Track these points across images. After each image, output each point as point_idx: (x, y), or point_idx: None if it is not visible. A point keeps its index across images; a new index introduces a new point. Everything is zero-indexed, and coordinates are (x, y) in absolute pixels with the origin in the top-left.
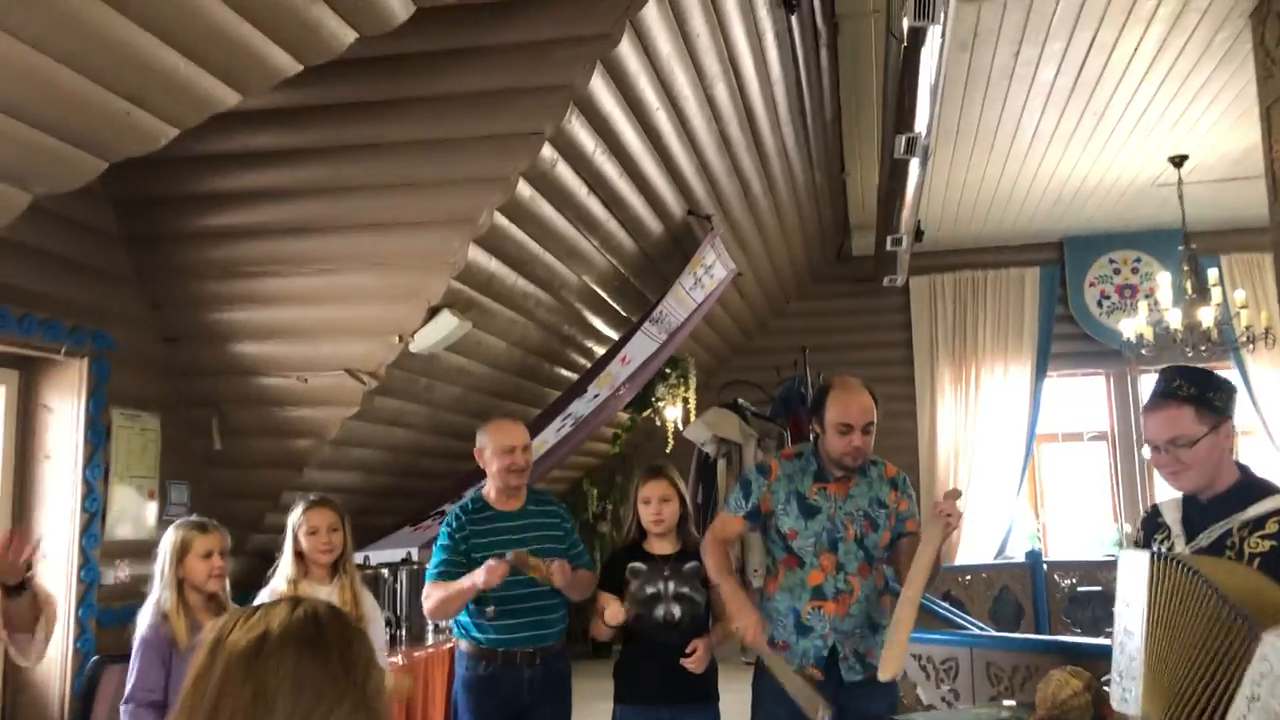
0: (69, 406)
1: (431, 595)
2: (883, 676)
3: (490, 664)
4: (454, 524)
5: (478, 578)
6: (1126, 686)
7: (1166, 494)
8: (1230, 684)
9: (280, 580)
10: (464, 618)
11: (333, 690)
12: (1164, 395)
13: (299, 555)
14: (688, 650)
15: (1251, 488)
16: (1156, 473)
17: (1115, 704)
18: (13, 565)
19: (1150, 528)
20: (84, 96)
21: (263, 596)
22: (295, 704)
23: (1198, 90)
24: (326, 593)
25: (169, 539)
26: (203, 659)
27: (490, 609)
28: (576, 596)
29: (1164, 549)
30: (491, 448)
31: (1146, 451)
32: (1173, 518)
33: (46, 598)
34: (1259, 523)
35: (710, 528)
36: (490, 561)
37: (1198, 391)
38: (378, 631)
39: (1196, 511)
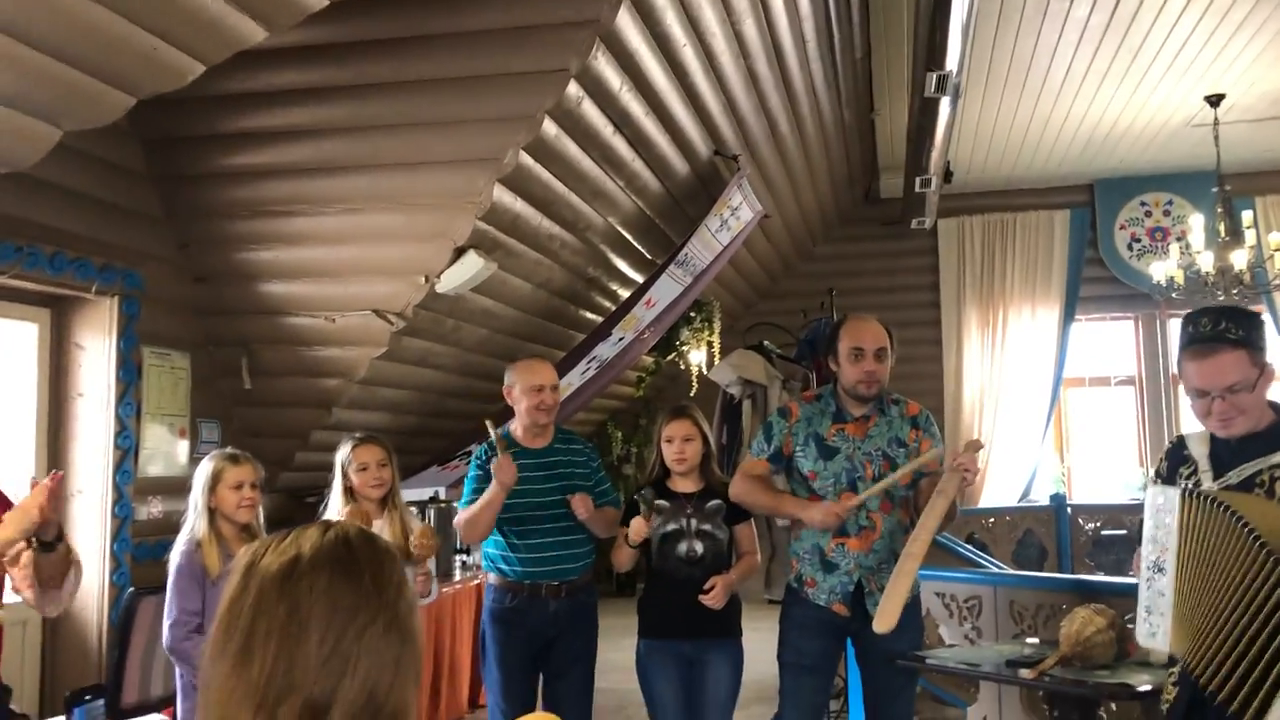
0: (100, 345)
1: (461, 518)
2: (878, 628)
3: (517, 596)
4: (483, 457)
5: (494, 486)
6: (1155, 622)
7: (1192, 427)
8: (1264, 624)
9: (331, 516)
10: (493, 550)
11: (366, 610)
12: (1214, 339)
13: (349, 491)
14: (706, 587)
15: None
16: (1187, 415)
17: (1142, 639)
18: (49, 521)
19: (1175, 460)
20: (112, 32)
21: None
22: (329, 623)
23: (1238, 26)
24: (378, 527)
25: (203, 469)
26: (237, 582)
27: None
28: (602, 533)
29: (1190, 484)
30: (520, 386)
31: (1190, 399)
32: (1200, 452)
33: (76, 556)
34: None
35: (737, 472)
36: (496, 463)
37: (1245, 334)
38: (430, 566)
39: (1226, 450)
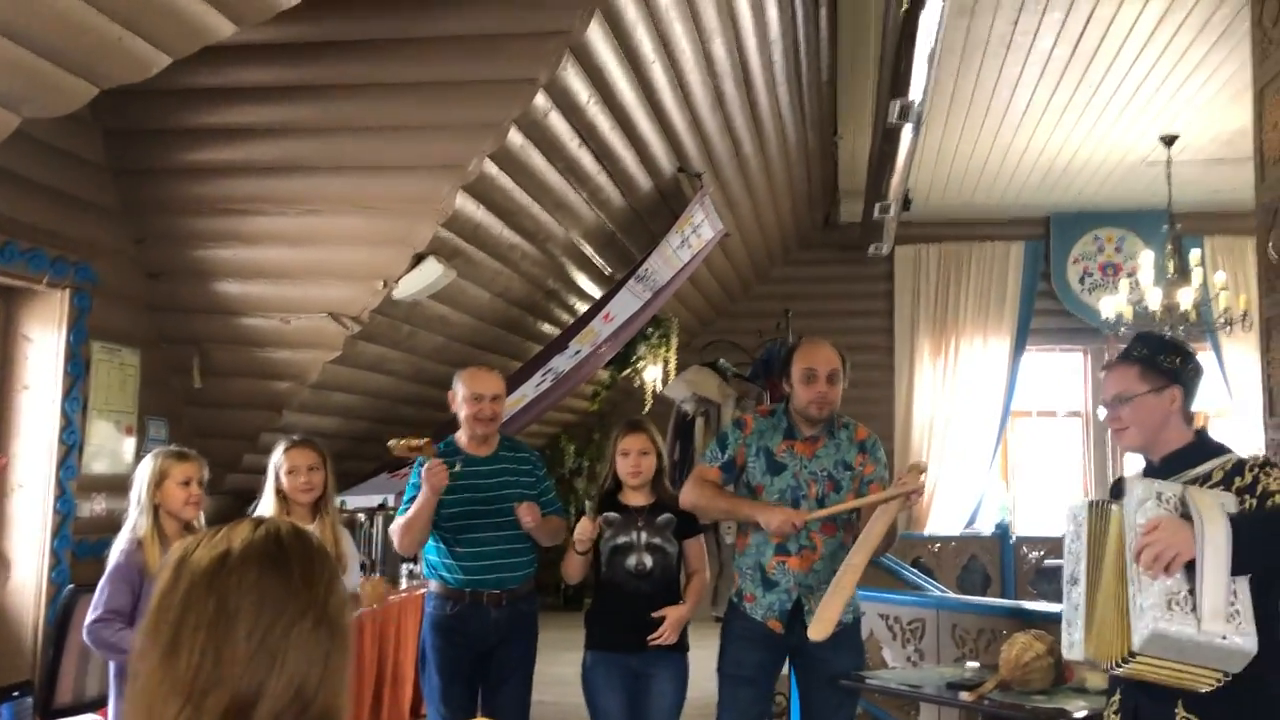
0: (49, 338)
1: (395, 525)
2: (813, 635)
3: (457, 604)
4: (424, 465)
5: (425, 489)
6: (1071, 632)
7: (1133, 467)
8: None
9: None
10: (433, 558)
11: (294, 605)
12: (1120, 356)
13: (280, 494)
14: (655, 616)
15: (1204, 449)
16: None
17: (1065, 652)
18: None
19: (1116, 497)
20: (77, 19)
21: None
22: (257, 618)
23: (1194, 68)
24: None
25: (147, 465)
26: (167, 577)
27: (457, 467)
28: (546, 541)
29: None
30: (463, 393)
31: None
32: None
33: (2, 553)
34: (1206, 477)
35: (688, 479)
36: (425, 469)
37: (1149, 353)
38: (354, 572)
39: (1150, 471)
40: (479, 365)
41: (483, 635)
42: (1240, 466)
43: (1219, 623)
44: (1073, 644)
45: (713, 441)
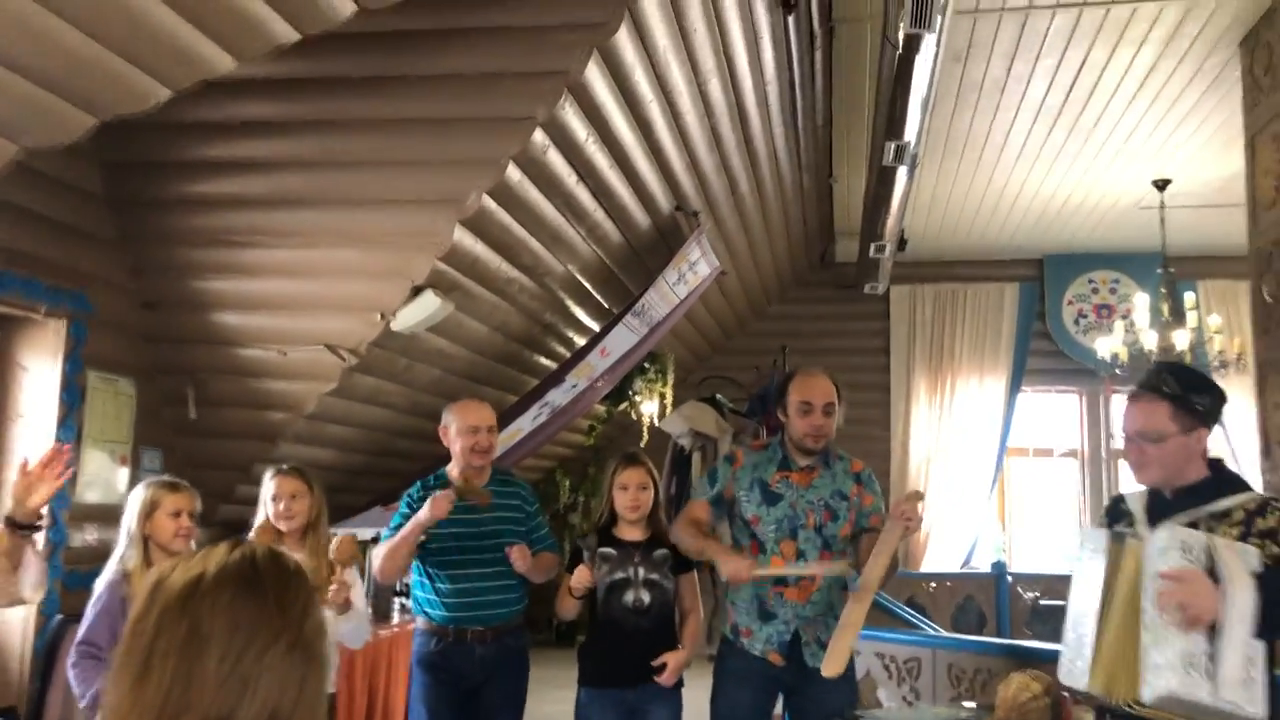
0: (45, 367)
1: (378, 551)
2: (826, 672)
3: (442, 641)
4: (414, 495)
5: (423, 514)
6: (1074, 659)
7: (1131, 489)
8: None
9: None
10: (420, 594)
11: (267, 629)
12: (1147, 387)
13: (270, 524)
14: (655, 664)
15: (1222, 483)
16: (1127, 488)
17: (1062, 676)
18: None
19: (1113, 517)
20: (79, 51)
21: None
22: (229, 642)
23: (1185, 114)
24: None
25: (138, 495)
26: (143, 601)
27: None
28: (539, 579)
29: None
30: (456, 426)
31: (1119, 437)
32: (1137, 507)
33: (39, 547)
34: (1226, 514)
35: (680, 513)
36: (436, 494)
37: (1181, 391)
38: (358, 604)
39: (1161, 503)
40: (469, 398)
41: (469, 672)
42: (1264, 507)
43: (1235, 690)
44: (1072, 671)
45: (704, 476)
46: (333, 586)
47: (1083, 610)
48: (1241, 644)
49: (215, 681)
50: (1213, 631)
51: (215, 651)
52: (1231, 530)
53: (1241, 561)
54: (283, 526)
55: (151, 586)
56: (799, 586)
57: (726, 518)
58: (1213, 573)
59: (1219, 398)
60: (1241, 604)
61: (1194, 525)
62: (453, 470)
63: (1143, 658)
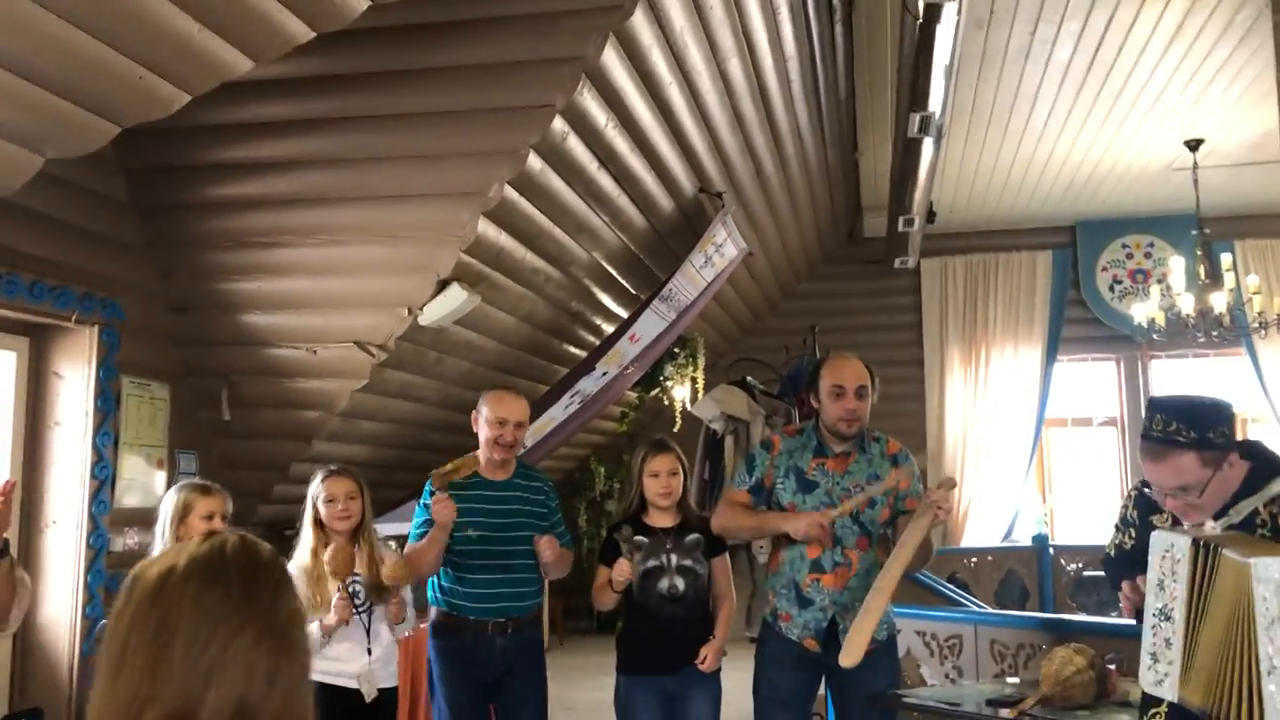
0: (79, 374)
1: (407, 554)
2: (843, 662)
3: (463, 633)
4: (431, 495)
5: (435, 524)
6: (1161, 670)
7: None
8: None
9: (303, 551)
10: (443, 584)
11: (232, 620)
12: (1164, 443)
13: (319, 524)
14: (698, 661)
15: (1266, 466)
16: None
17: (1146, 686)
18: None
19: (1145, 508)
20: (97, 60)
21: (290, 569)
22: (194, 635)
23: (1216, 72)
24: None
25: (171, 499)
26: (121, 596)
27: (471, 532)
28: (555, 574)
29: (1187, 524)
30: (485, 415)
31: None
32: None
33: (22, 575)
34: (1277, 498)
35: (719, 503)
36: (433, 503)
37: (1197, 436)
38: (406, 594)
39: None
40: (504, 389)
41: (489, 664)
42: None
43: None
44: (1161, 680)
45: (741, 465)
46: (392, 607)
47: (1164, 617)
48: None
49: (180, 673)
50: None
51: (181, 643)
52: None
53: None
54: (340, 527)
55: (129, 582)
56: (835, 573)
57: (765, 505)
58: None
59: (1229, 418)
60: None
61: (1255, 514)
62: (477, 457)
63: (1266, 697)
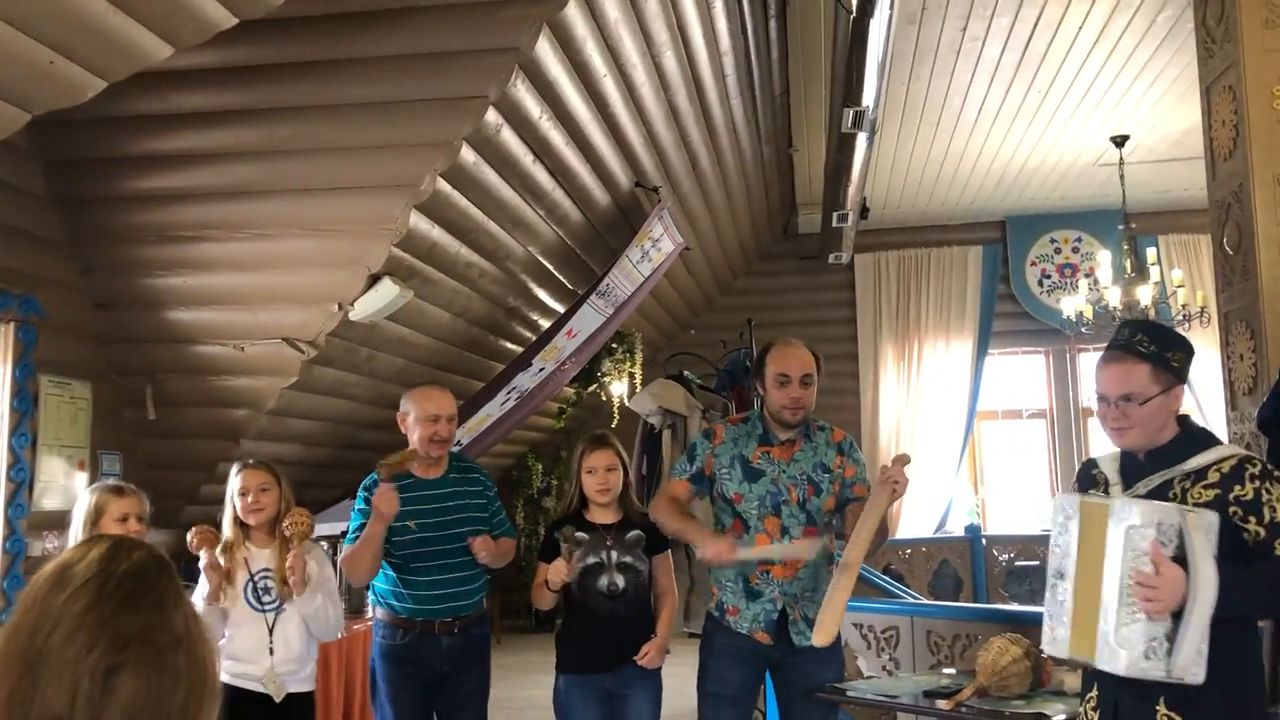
0: None
1: (344, 556)
2: (816, 641)
3: (408, 633)
4: (371, 488)
5: (374, 517)
6: (1055, 627)
7: (1102, 451)
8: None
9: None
10: (381, 585)
11: (92, 632)
12: (1123, 348)
13: (238, 520)
14: (638, 657)
15: (1193, 440)
16: (1097, 448)
17: (1045, 646)
18: None
19: (1085, 481)
20: (5, 44)
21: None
22: (62, 645)
23: (1140, 69)
24: (265, 556)
25: (83, 502)
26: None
27: (411, 524)
28: (498, 565)
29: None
30: (414, 414)
31: (1093, 401)
32: (1110, 468)
33: None
34: (1201, 474)
35: (658, 492)
36: (375, 495)
37: (1158, 349)
38: (330, 589)
39: (1134, 465)
40: (430, 384)
41: (435, 664)
42: (1240, 472)
43: (1186, 669)
44: (1056, 639)
45: (682, 454)
46: (287, 564)
47: (1059, 576)
48: (1201, 631)
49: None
50: (1175, 617)
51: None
52: (1206, 493)
53: (1207, 543)
54: (251, 520)
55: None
56: (784, 563)
57: (708, 495)
58: (1182, 558)
59: (1189, 352)
60: (1205, 595)
61: (1168, 485)
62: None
63: (1102, 627)
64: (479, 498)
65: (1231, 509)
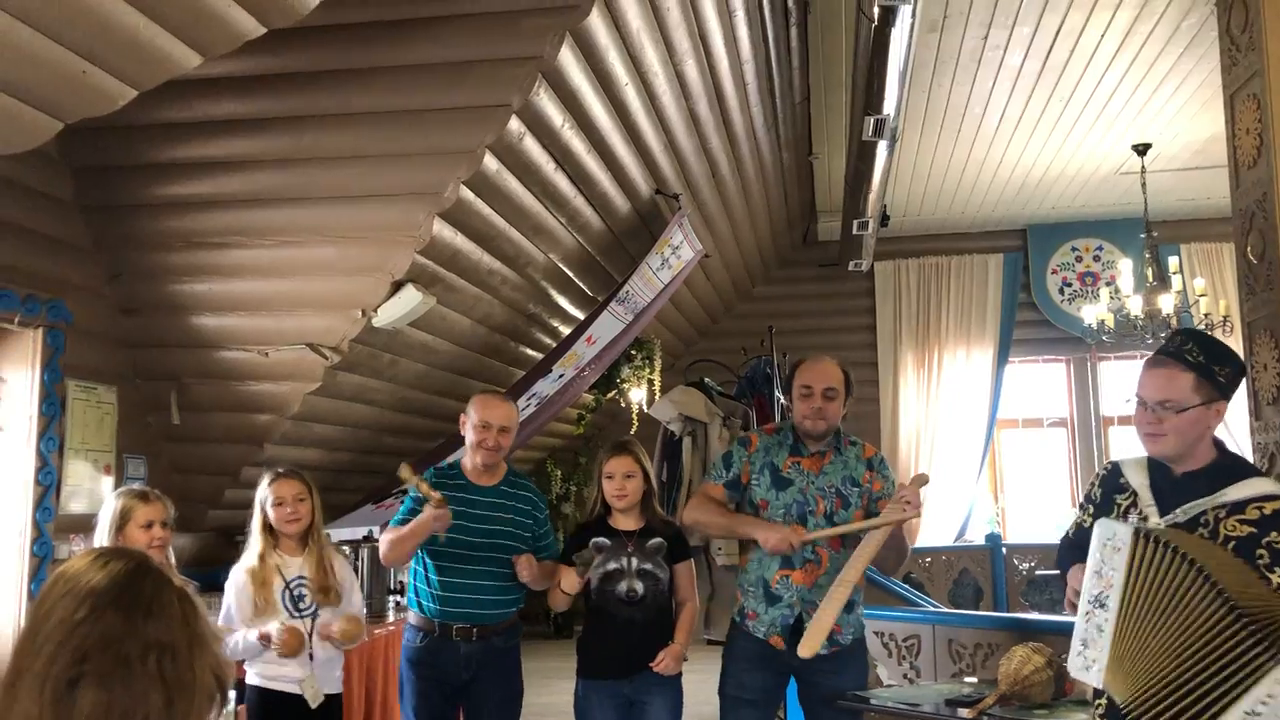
0: (23, 378)
1: (386, 536)
2: (801, 653)
3: (428, 637)
4: (429, 479)
5: (423, 523)
6: (1090, 656)
7: (1126, 457)
8: (1223, 688)
9: (251, 554)
10: (416, 584)
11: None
12: (1171, 355)
13: (268, 528)
14: (654, 664)
15: (1230, 469)
16: (1117, 456)
17: (1074, 671)
18: None
19: (1111, 486)
20: (39, 54)
21: (234, 571)
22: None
23: (1163, 77)
24: (298, 565)
25: (109, 507)
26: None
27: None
28: (538, 587)
29: (1134, 518)
30: (472, 419)
31: (1132, 403)
32: (1139, 482)
33: None
34: (1239, 506)
35: (695, 494)
36: (423, 515)
37: (1206, 361)
38: (355, 601)
39: (1168, 483)
40: (493, 392)
41: (453, 669)
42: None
43: None
44: (1089, 665)
45: (718, 460)
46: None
47: (1099, 604)
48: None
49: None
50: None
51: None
52: (1241, 528)
53: None
54: (289, 530)
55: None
56: (805, 570)
57: (740, 501)
58: None
59: (1239, 370)
60: None
61: (1202, 514)
62: (465, 460)
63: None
64: (526, 516)
65: (1260, 551)
